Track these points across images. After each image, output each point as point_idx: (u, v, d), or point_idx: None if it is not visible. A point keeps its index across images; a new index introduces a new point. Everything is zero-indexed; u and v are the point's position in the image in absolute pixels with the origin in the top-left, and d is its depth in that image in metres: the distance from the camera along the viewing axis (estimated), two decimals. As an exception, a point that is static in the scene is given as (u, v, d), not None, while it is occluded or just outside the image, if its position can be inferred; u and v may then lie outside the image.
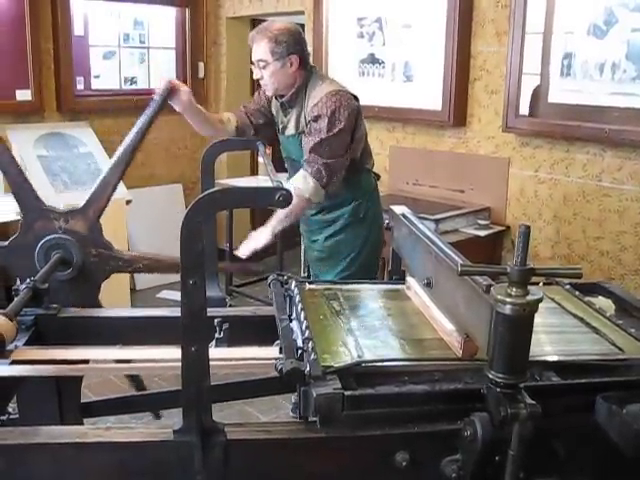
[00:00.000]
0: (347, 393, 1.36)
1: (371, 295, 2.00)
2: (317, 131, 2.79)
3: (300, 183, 2.79)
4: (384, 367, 1.51)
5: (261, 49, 2.84)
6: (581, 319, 1.78)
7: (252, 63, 2.94)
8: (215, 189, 1.27)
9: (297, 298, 1.82)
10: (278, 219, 2.83)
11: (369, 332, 1.71)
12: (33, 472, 1.37)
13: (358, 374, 1.45)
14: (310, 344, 1.51)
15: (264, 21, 5.90)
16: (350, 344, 1.61)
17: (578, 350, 1.63)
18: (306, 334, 1.58)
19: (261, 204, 1.35)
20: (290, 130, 2.96)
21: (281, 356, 1.49)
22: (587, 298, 1.94)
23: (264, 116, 3.10)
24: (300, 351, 1.50)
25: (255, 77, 2.97)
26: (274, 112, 3.08)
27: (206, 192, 1.25)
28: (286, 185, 2.69)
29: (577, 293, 1.95)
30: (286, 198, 1.25)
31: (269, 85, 2.91)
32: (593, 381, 1.50)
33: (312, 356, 1.46)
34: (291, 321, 1.72)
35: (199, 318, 1.30)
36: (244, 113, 3.09)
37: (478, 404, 1.37)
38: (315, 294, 1.95)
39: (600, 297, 2.02)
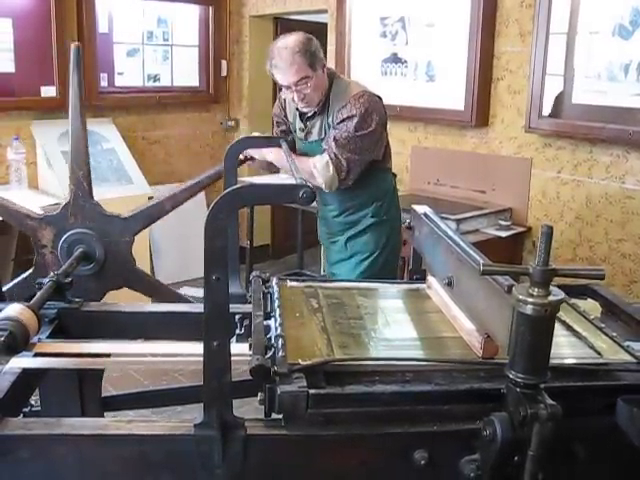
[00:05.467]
0: (312, 391, 1.36)
1: (351, 294, 1.98)
2: (346, 128, 2.78)
3: (320, 166, 2.79)
4: (355, 366, 1.50)
5: (298, 67, 2.73)
6: (563, 322, 1.76)
7: (281, 89, 2.84)
8: (239, 185, 1.28)
9: (275, 295, 1.82)
10: (282, 162, 2.84)
11: (343, 330, 1.70)
12: (55, 462, 1.39)
13: (328, 373, 1.45)
14: (280, 341, 1.51)
15: (287, 20, 5.98)
16: (322, 342, 1.61)
17: (554, 353, 1.61)
18: (278, 331, 1.58)
19: (284, 201, 1.36)
20: (314, 136, 2.94)
21: (250, 353, 1.48)
22: (573, 300, 1.91)
23: (287, 127, 3.11)
24: (271, 348, 1.50)
25: (296, 100, 2.84)
26: (290, 118, 3.06)
27: (230, 188, 1.26)
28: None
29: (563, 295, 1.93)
30: (309, 195, 1.26)
31: (314, 99, 2.84)
32: (614, 384, 1.50)
33: (280, 353, 1.46)
34: (269, 318, 1.71)
35: (221, 313, 1.31)
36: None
37: (446, 406, 1.40)
38: (295, 292, 1.95)
39: (589, 299, 2.01)
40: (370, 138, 2.82)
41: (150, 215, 2.49)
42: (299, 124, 2.99)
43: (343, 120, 2.79)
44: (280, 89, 2.93)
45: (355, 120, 2.77)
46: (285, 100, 3.00)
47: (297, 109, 2.96)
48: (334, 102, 2.85)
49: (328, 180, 2.81)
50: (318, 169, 2.79)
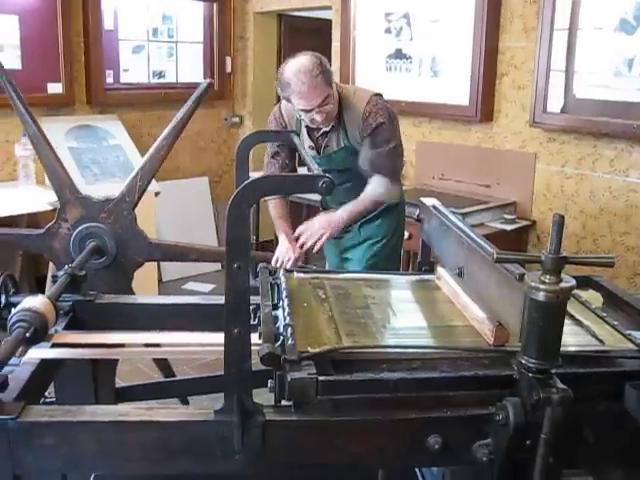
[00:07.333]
0: (321, 378, 1.39)
1: (357, 285, 2.01)
2: (384, 141, 2.84)
3: (383, 189, 2.88)
4: (363, 354, 1.53)
5: (321, 90, 2.70)
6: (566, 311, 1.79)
7: (308, 111, 2.75)
8: (260, 176, 1.31)
9: (283, 286, 1.85)
10: (351, 216, 2.89)
11: (350, 320, 1.73)
12: (78, 449, 1.41)
13: (337, 361, 1.48)
14: (289, 330, 1.53)
15: (291, 16, 6.00)
16: (330, 331, 1.63)
17: None
18: (286, 320, 1.60)
19: (305, 191, 1.39)
20: (332, 148, 2.93)
21: (260, 341, 1.50)
22: (575, 291, 1.94)
23: (289, 149, 3.05)
24: (280, 337, 1.53)
25: (319, 120, 2.79)
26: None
27: (252, 179, 1.29)
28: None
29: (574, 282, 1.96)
30: (329, 185, 1.28)
31: (333, 114, 2.83)
32: (620, 370, 1.53)
33: (290, 341, 1.49)
34: (276, 309, 1.74)
35: (242, 301, 1.33)
36: (280, 164, 3.07)
37: (452, 392, 1.43)
38: (302, 282, 1.98)
39: (590, 290, 2.03)
40: (401, 139, 2.95)
41: (174, 253, 2.53)
42: (308, 142, 2.96)
43: (375, 130, 2.82)
44: (276, 115, 2.99)
45: (386, 127, 2.83)
46: (285, 118, 2.98)
47: (307, 126, 2.93)
48: (348, 111, 2.85)
49: (395, 194, 2.97)
50: (384, 193, 2.89)
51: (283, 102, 2.95)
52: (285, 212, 3.05)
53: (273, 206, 3.04)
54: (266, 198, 3.02)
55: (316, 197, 3.47)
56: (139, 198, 2.37)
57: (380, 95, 2.92)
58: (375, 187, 2.89)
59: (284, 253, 2.84)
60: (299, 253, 2.85)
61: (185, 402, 2.69)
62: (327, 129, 2.89)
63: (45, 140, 2.37)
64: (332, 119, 2.84)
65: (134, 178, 2.37)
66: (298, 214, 5.61)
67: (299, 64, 2.69)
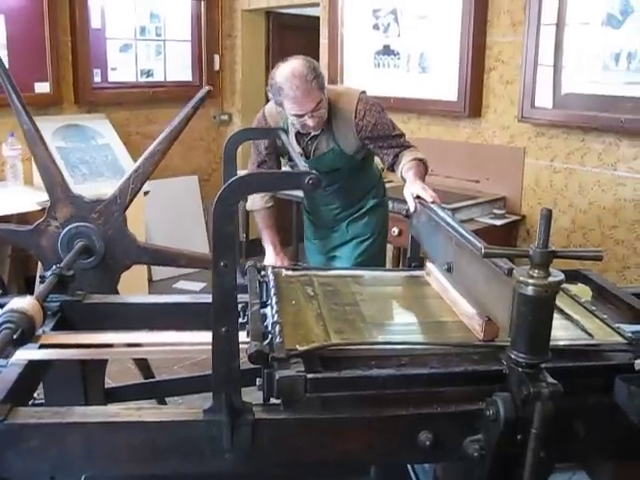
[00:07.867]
0: (310, 376, 1.39)
1: (346, 281, 2.01)
2: (387, 129, 2.83)
3: (419, 152, 2.85)
4: (351, 351, 1.53)
5: (315, 94, 2.65)
6: (555, 305, 1.79)
7: (300, 116, 2.70)
8: (247, 173, 1.30)
9: (271, 284, 1.85)
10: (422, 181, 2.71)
11: (338, 317, 1.73)
12: (66, 450, 1.41)
13: (325, 358, 1.48)
14: (277, 328, 1.53)
15: (279, 13, 5.98)
16: (318, 328, 1.63)
17: None
18: (275, 318, 1.60)
19: (291, 187, 1.39)
20: (322, 150, 2.88)
21: (248, 340, 1.50)
22: (564, 285, 1.94)
23: (277, 156, 3.02)
24: (268, 335, 1.53)
25: (311, 125, 2.74)
26: (280, 144, 2.90)
27: (238, 176, 1.28)
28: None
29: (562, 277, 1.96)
30: (315, 182, 1.28)
31: (324, 118, 2.78)
32: (611, 363, 1.53)
33: (278, 339, 1.49)
34: (265, 306, 1.74)
35: (230, 299, 1.32)
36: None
37: (442, 388, 1.44)
38: (291, 280, 1.98)
39: (579, 284, 2.04)
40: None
41: (163, 258, 2.51)
42: (296, 148, 2.90)
43: (376, 125, 2.81)
44: (260, 121, 2.94)
45: (385, 117, 2.84)
46: (270, 124, 2.92)
47: (296, 132, 2.88)
48: (336, 113, 2.82)
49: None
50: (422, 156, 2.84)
51: (267, 107, 2.93)
52: (272, 223, 3.02)
53: (261, 217, 3.02)
54: (253, 209, 3.03)
55: (306, 195, 3.45)
56: (130, 200, 2.36)
57: (364, 92, 2.91)
58: (412, 153, 2.82)
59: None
60: (288, 264, 2.84)
61: (162, 402, 2.68)
62: (317, 133, 2.86)
63: (40, 137, 2.36)
64: (323, 123, 2.80)
65: (127, 180, 2.36)
66: (288, 211, 5.61)
67: (292, 68, 2.64)
